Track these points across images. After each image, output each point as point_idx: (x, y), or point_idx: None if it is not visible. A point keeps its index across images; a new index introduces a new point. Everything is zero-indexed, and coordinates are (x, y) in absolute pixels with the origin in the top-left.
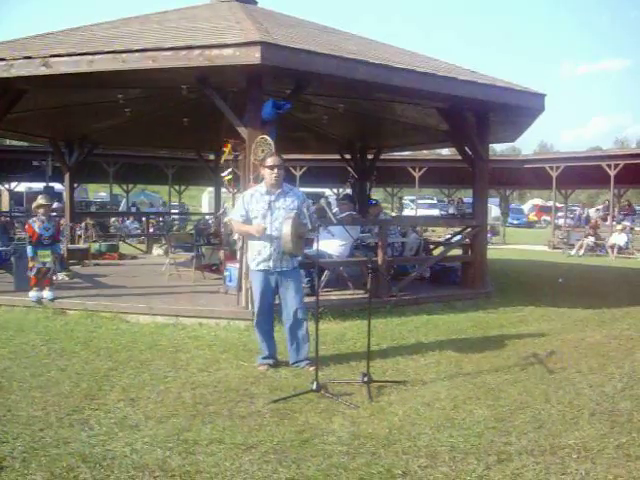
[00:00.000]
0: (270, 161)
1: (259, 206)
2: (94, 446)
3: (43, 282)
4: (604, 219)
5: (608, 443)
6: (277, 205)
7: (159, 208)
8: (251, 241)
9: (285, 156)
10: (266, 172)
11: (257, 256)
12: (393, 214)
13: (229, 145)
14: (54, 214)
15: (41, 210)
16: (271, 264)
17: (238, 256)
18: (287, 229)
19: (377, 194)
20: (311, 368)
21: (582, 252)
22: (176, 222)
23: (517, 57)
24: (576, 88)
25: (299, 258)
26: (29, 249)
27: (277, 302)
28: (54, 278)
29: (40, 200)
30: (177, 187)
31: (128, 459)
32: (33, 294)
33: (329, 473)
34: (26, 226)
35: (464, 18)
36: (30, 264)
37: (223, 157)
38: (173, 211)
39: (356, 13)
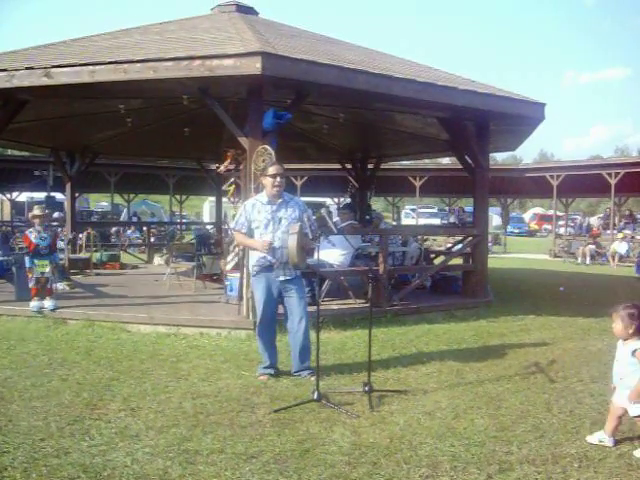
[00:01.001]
0: (272, 170)
1: (261, 216)
2: (95, 456)
3: (44, 292)
4: (605, 227)
5: (610, 452)
6: (279, 215)
7: (166, 217)
8: (253, 251)
9: (286, 166)
10: (268, 181)
11: (259, 265)
12: (394, 223)
13: (229, 155)
14: (55, 224)
15: (37, 220)
16: (273, 274)
17: (238, 265)
18: (293, 242)
19: (378, 203)
20: (312, 377)
21: (588, 260)
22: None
23: (519, 67)
24: (578, 97)
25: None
26: (27, 260)
27: (280, 312)
28: (54, 288)
29: (35, 211)
30: (178, 197)
31: (129, 469)
32: (34, 304)
33: None
34: (23, 237)
35: (465, 27)
36: (29, 275)
37: (222, 167)
38: (179, 221)
39: (358, 23)
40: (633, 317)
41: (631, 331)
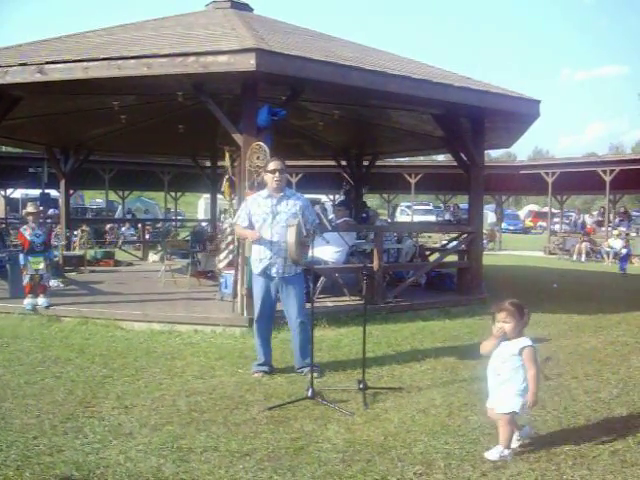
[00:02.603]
0: (272, 165)
1: (261, 210)
2: (88, 454)
3: (38, 289)
4: (599, 225)
5: (604, 449)
6: (279, 209)
7: (161, 214)
8: (254, 246)
9: None
10: (268, 176)
11: (259, 262)
12: (388, 220)
13: (227, 151)
14: (49, 221)
15: (31, 217)
16: (273, 270)
17: (232, 263)
18: (291, 237)
19: (373, 200)
20: (314, 374)
21: (584, 258)
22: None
23: (515, 63)
24: (573, 94)
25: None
26: (21, 257)
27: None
28: (48, 285)
29: (29, 208)
30: (173, 193)
31: (122, 467)
32: (28, 301)
33: None
34: (17, 234)
35: (460, 24)
36: (23, 272)
37: (224, 164)
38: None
39: (353, 20)
40: (522, 313)
41: (520, 328)
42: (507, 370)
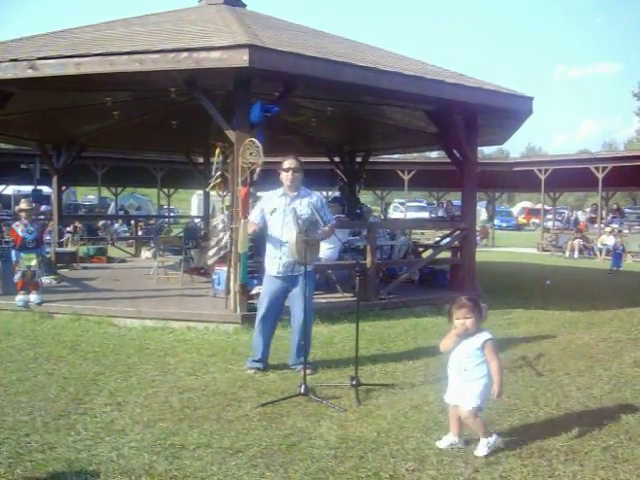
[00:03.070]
0: (286, 164)
1: (274, 209)
2: (80, 451)
3: (30, 286)
4: (592, 221)
5: (595, 445)
6: (291, 208)
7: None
8: (268, 246)
9: (273, 159)
10: (282, 175)
11: (270, 261)
12: (381, 217)
13: (218, 148)
14: (42, 217)
15: (24, 214)
16: (282, 269)
17: (224, 259)
18: (292, 239)
19: (366, 197)
20: (308, 370)
21: (576, 255)
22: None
23: (509, 61)
24: (567, 91)
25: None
26: (13, 253)
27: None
28: (40, 281)
29: (22, 204)
30: (166, 190)
31: (114, 464)
32: (20, 298)
33: (317, 477)
34: (10, 230)
35: (454, 21)
36: (15, 268)
37: (214, 160)
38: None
39: (346, 16)
40: (480, 307)
41: (479, 323)
42: (472, 365)
